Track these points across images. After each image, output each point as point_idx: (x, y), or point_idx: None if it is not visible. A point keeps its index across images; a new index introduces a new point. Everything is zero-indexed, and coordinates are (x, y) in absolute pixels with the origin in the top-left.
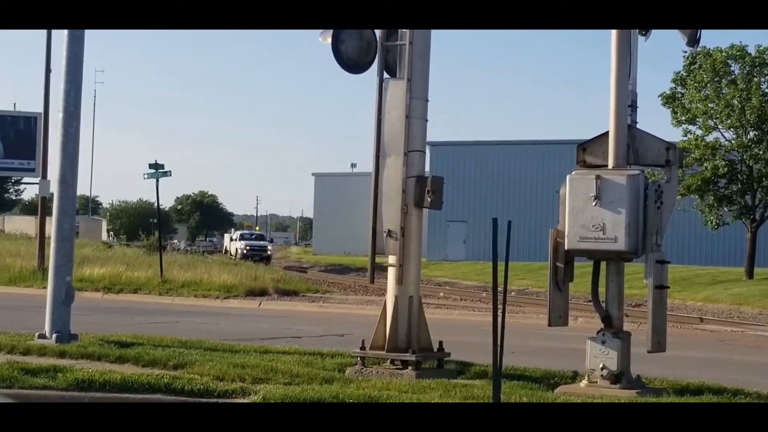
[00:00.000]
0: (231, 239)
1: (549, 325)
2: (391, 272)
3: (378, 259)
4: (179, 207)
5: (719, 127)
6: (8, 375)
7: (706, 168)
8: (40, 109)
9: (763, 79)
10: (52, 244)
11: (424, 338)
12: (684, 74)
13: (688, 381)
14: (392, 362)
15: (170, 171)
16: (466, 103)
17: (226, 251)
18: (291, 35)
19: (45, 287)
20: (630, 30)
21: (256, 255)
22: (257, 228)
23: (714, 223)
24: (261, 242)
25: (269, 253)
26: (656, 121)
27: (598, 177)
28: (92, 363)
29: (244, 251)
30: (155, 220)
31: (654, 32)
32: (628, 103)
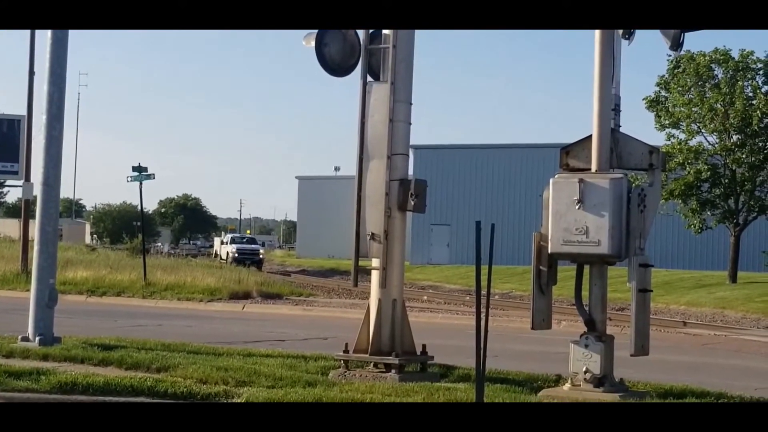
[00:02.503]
0: (222, 243)
1: (532, 328)
2: (375, 275)
3: (362, 263)
4: (163, 210)
5: (702, 131)
6: None
7: (689, 172)
8: (24, 111)
9: (746, 83)
10: (36, 247)
11: (407, 341)
12: (667, 78)
13: (671, 384)
14: (375, 365)
15: (154, 174)
16: (449, 107)
17: (217, 255)
18: (274, 39)
19: (28, 290)
20: (613, 33)
21: (248, 259)
22: (248, 231)
23: (697, 227)
24: (253, 246)
25: (261, 256)
26: (640, 124)
27: (581, 180)
28: (75, 366)
29: (236, 255)
30: (139, 223)
31: (637, 36)
32: (611, 107)
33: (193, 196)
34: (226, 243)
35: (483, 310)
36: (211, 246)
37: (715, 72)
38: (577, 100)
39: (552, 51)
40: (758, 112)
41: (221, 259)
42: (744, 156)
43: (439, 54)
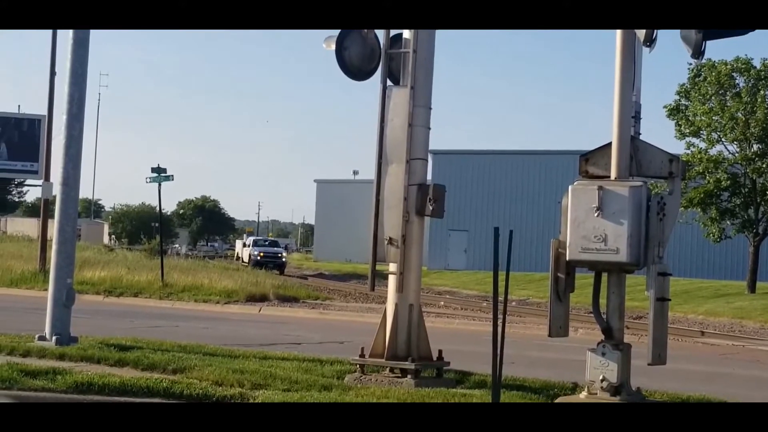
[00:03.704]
0: (244, 245)
1: (549, 335)
2: (392, 280)
3: (379, 267)
4: (181, 211)
5: (723, 140)
6: (8, 376)
7: (709, 181)
8: (44, 111)
9: (767, 93)
10: (54, 247)
11: (423, 347)
12: (688, 86)
13: (688, 394)
14: (391, 370)
15: (172, 175)
16: (469, 112)
17: (238, 257)
18: (294, 42)
19: (46, 289)
20: (635, 40)
21: (271, 262)
22: (270, 234)
23: (716, 236)
24: (275, 249)
25: (284, 260)
26: (660, 133)
27: (600, 188)
28: (91, 366)
29: (258, 258)
30: (157, 224)
31: (659, 43)
32: (631, 114)
33: (211, 198)
34: (249, 245)
35: (500, 316)
36: (231, 248)
37: (737, 81)
38: (597, 108)
39: (574, 57)
40: None
41: (243, 261)
42: (765, 165)
43: (459, 58)
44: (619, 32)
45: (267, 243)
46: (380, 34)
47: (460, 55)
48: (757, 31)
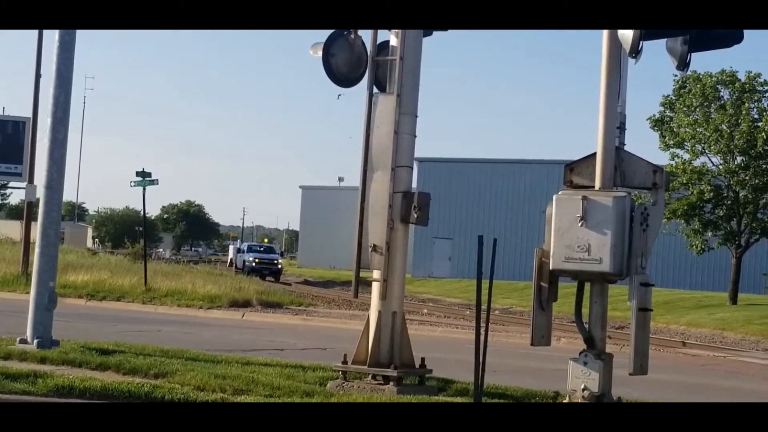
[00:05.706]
0: (238, 251)
1: (532, 344)
2: (376, 287)
3: (363, 274)
4: (165, 216)
5: (707, 152)
6: None
7: (693, 192)
8: (29, 113)
9: (752, 105)
10: (37, 250)
11: (406, 354)
12: (673, 98)
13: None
14: (374, 377)
15: (157, 179)
16: (455, 120)
17: (232, 263)
18: (281, 47)
19: (28, 292)
20: (620, 50)
21: (266, 269)
22: (265, 240)
23: (699, 248)
24: (271, 255)
25: (280, 266)
26: (644, 144)
27: (584, 198)
28: (73, 369)
29: (253, 264)
30: (141, 228)
31: (644, 54)
32: (616, 125)
33: (196, 203)
34: (243, 251)
35: (483, 324)
36: (215, 253)
37: (721, 93)
38: (582, 118)
39: (560, 67)
40: (763, 134)
41: (237, 268)
42: (747, 178)
43: (445, 66)
44: (605, 43)
45: (262, 249)
46: (368, 41)
47: (446, 62)
48: (742, 44)
